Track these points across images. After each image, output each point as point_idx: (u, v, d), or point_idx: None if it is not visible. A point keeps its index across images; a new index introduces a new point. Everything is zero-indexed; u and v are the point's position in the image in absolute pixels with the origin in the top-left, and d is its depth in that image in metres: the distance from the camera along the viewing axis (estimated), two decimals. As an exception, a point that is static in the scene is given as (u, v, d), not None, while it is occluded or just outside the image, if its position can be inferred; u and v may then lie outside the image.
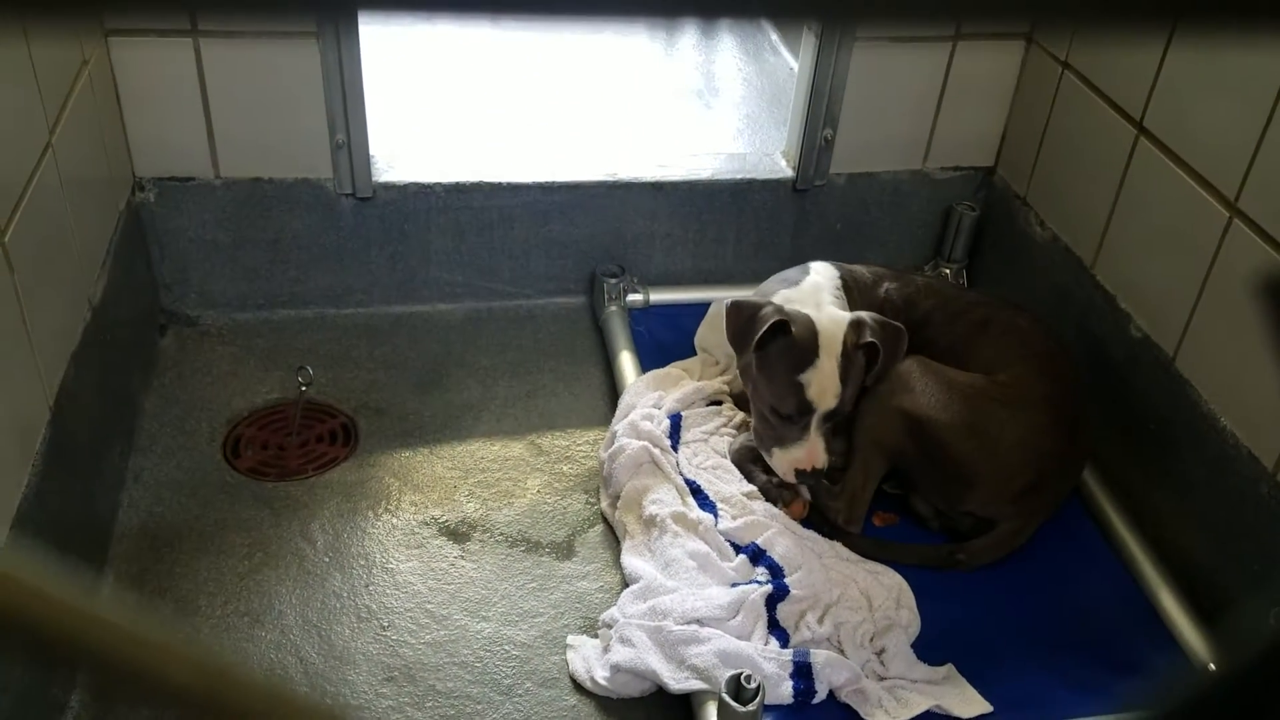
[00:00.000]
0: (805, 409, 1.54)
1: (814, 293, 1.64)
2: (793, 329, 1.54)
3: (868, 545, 1.57)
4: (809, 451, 1.56)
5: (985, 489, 1.55)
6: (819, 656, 1.37)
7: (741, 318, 1.57)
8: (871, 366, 1.56)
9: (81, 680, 1.35)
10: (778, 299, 1.63)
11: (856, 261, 1.79)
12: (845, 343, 1.54)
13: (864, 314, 1.58)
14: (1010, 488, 1.55)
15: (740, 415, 1.77)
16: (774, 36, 2.84)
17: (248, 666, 0.29)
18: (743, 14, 0.17)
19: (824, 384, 1.54)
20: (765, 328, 1.52)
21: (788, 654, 1.38)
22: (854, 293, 1.70)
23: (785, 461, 1.58)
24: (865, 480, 1.60)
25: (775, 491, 1.63)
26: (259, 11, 0.17)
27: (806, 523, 1.60)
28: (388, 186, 1.93)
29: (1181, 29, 0.19)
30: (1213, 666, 1.38)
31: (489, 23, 1.71)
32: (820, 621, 1.44)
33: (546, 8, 0.17)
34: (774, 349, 1.55)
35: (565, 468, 1.75)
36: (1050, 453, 1.56)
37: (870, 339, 1.54)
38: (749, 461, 1.67)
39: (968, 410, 1.54)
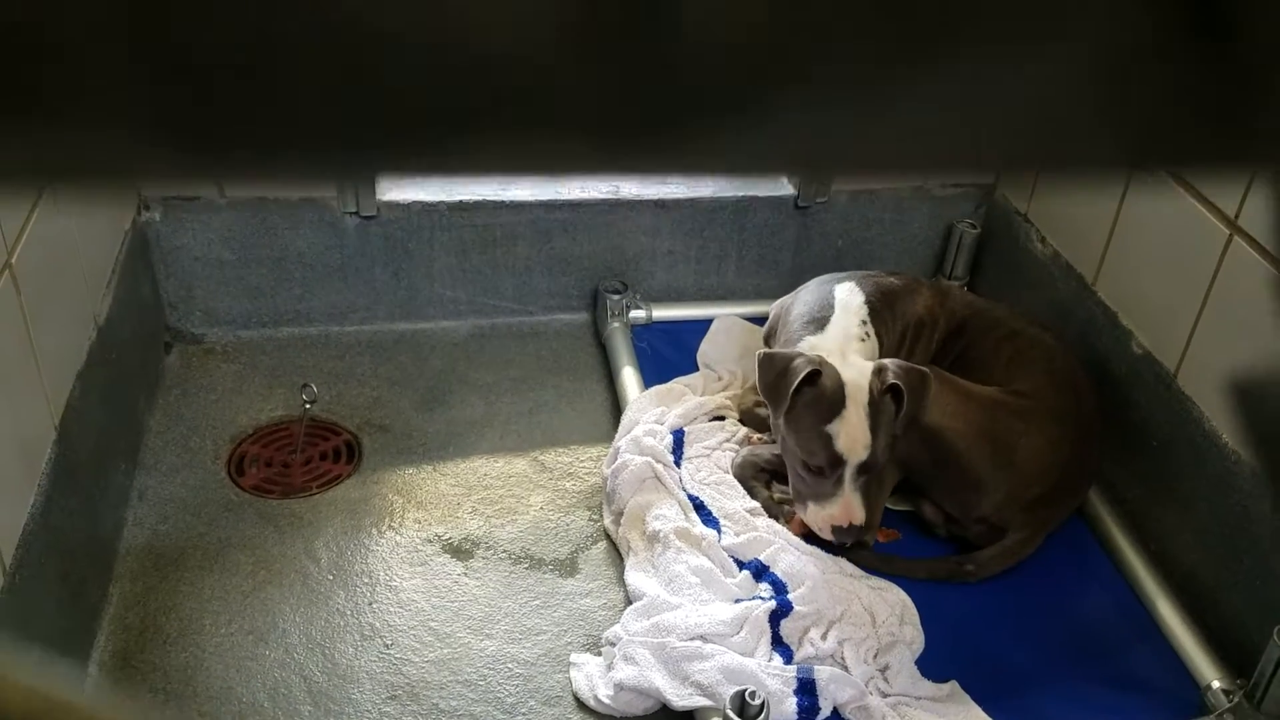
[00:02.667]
0: (836, 461, 1.50)
1: (840, 338, 1.60)
2: (820, 380, 1.50)
3: (875, 560, 1.58)
4: (844, 507, 1.51)
5: (1000, 495, 1.55)
6: (823, 673, 1.37)
7: (774, 370, 1.52)
8: (900, 411, 1.52)
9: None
10: (802, 347, 1.60)
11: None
12: (871, 391, 1.50)
13: (886, 361, 1.54)
14: (1025, 495, 1.56)
15: (743, 430, 1.77)
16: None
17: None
18: (733, 174, 0.19)
19: (853, 434, 1.49)
20: (799, 378, 1.48)
21: (791, 670, 1.39)
22: (882, 315, 1.66)
23: (821, 519, 1.53)
24: (878, 491, 1.60)
25: (777, 508, 1.63)
26: (283, 183, 0.18)
27: (810, 538, 1.60)
28: (391, 205, 1.94)
29: (1137, 180, 0.21)
30: (1215, 684, 1.39)
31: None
32: (824, 638, 1.44)
33: (544, 172, 0.18)
34: (802, 400, 1.51)
35: (568, 484, 1.75)
36: (1064, 465, 1.58)
37: (894, 381, 1.49)
38: (751, 477, 1.67)
39: (984, 419, 1.55)
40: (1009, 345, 1.66)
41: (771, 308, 1.83)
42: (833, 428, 1.50)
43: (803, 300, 1.71)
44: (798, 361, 1.51)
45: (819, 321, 1.64)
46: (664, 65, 0.16)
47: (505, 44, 0.16)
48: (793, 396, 1.50)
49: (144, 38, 0.16)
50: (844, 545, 1.54)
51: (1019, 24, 0.16)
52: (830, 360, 1.53)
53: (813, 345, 1.59)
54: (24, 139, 0.17)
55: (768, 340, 1.77)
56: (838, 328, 1.62)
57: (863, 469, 1.51)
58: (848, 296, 1.66)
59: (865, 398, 1.50)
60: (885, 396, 1.51)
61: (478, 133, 0.17)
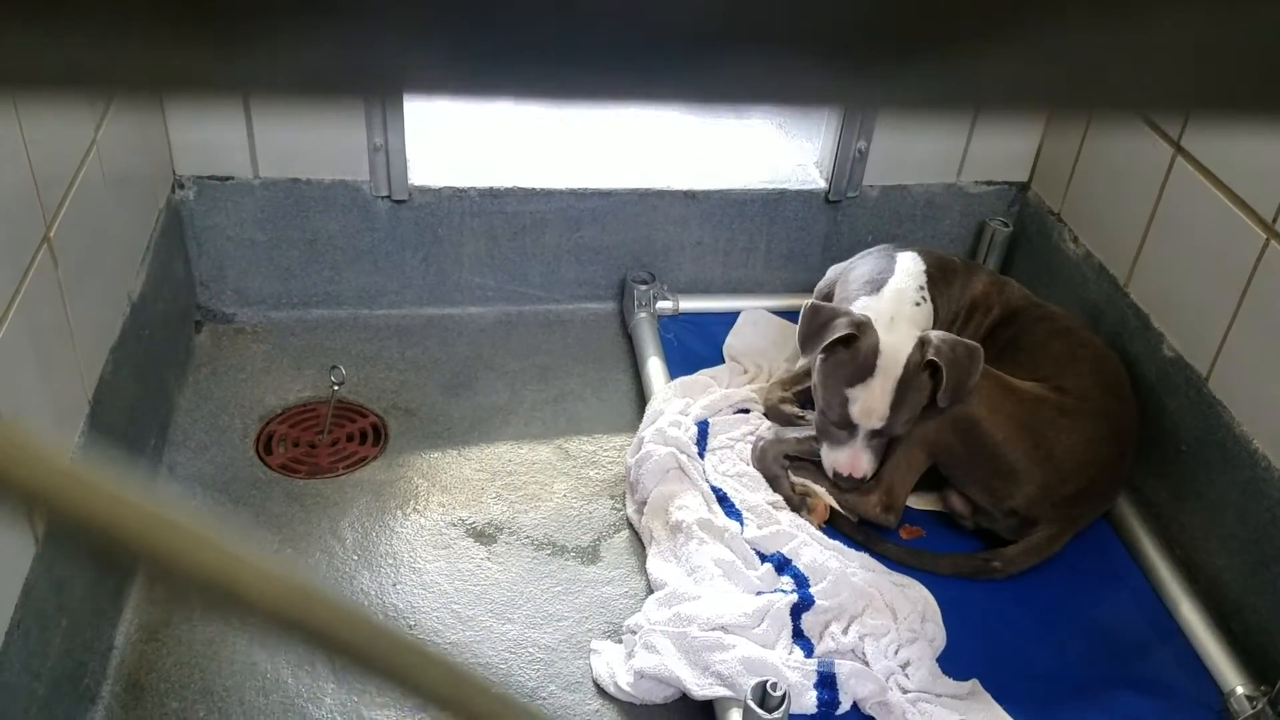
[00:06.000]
0: (848, 423, 1.56)
1: (894, 303, 1.61)
2: (857, 343, 1.53)
3: (902, 554, 1.58)
4: (851, 458, 1.58)
5: (1034, 487, 1.55)
6: (844, 667, 1.37)
7: (816, 321, 1.57)
8: (938, 385, 1.52)
9: (114, 671, 1.37)
10: (856, 306, 1.61)
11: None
12: (908, 365, 1.52)
13: (933, 333, 1.55)
14: (1059, 491, 1.55)
15: (767, 424, 1.77)
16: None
17: (329, 589, 0.28)
18: (783, 103, 0.18)
19: (871, 405, 1.53)
20: (834, 337, 1.53)
21: (812, 664, 1.39)
22: (940, 286, 1.68)
23: (829, 460, 1.61)
24: (906, 472, 1.60)
25: (799, 500, 1.63)
26: (308, 100, 0.18)
27: (833, 532, 1.60)
28: (423, 190, 1.95)
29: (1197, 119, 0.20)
30: (1239, 690, 1.38)
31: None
32: (845, 632, 1.44)
33: (583, 96, 0.18)
34: (835, 358, 1.55)
35: (592, 472, 1.76)
36: (1101, 464, 1.57)
37: (933, 358, 1.51)
38: (772, 466, 1.67)
39: (1024, 412, 1.55)
40: (1060, 341, 1.65)
41: (828, 272, 1.86)
42: (854, 393, 1.53)
43: (864, 263, 1.73)
44: (839, 320, 1.54)
45: (876, 283, 1.66)
46: None
47: None
48: (826, 351, 1.54)
49: None
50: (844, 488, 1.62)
51: None
52: (877, 325, 1.55)
53: (865, 306, 1.61)
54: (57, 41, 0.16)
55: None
56: (894, 290, 1.63)
57: (876, 434, 1.56)
58: (910, 264, 1.68)
59: (898, 371, 1.52)
60: (923, 372, 1.52)
61: (728, 54, 0.16)
